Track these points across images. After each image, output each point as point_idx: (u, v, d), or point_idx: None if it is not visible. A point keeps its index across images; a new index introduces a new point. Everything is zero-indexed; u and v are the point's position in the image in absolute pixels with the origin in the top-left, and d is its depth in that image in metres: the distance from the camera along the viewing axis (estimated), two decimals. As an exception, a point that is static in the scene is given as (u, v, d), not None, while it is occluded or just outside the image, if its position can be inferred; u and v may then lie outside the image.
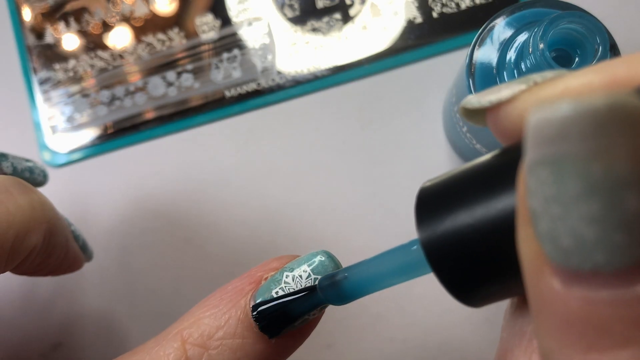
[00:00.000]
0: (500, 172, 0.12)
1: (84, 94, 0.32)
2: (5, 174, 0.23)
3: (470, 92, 0.23)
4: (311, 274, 0.17)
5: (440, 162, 0.30)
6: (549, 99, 0.12)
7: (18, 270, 0.22)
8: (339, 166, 0.31)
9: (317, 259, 0.17)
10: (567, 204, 0.10)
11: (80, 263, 0.26)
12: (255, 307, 0.17)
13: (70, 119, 0.32)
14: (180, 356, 0.16)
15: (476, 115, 0.14)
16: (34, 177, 0.25)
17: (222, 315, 0.17)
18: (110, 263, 0.31)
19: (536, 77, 0.13)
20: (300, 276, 0.17)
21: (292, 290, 0.17)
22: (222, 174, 0.31)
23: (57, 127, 0.32)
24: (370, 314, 0.30)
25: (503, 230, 0.11)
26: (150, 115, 0.32)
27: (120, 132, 0.32)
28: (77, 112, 0.32)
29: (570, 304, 0.10)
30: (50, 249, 0.22)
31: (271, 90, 0.31)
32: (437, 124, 0.31)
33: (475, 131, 0.25)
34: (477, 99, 0.14)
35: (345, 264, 0.32)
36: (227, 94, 0.32)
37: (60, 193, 0.32)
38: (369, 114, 0.31)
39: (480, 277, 0.12)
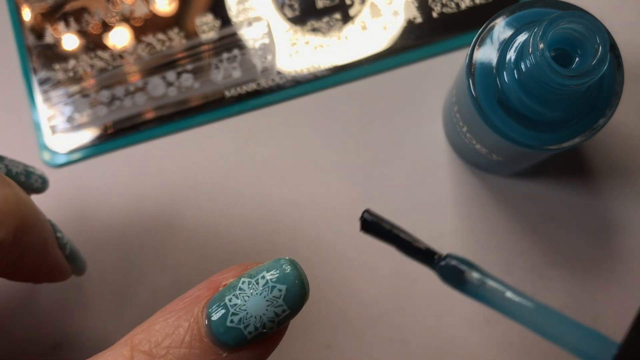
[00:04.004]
0: None
1: (84, 94, 0.32)
2: None
3: (470, 92, 0.23)
4: (269, 281, 0.16)
5: (440, 162, 0.30)
6: None
7: None
8: (339, 166, 0.31)
9: (280, 267, 0.16)
10: None
11: (63, 273, 0.24)
12: (366, 215, 0.17)
13: (70, 119, 0.32)
14: None
15: None
16: (30, 182, 0.24)
17: (172, 323, 0.16)
18: (110, 263, 0.31)
19: None
20: (257, 282, 0.16)
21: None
22: (222, 174, 0.31)
23: (57, 127, 0.32)
24: (370, 314, 0.30)
25: None
26: (150, 115, 0.32)
27: (120, 132, 0.32)
28: (77, 112, 0.32)
29: None
30: (22, 249, 0.21)
31: (271, 90, 0.31)
32: (437, 124, 0.31)
33: (475, 131, 0.25)
34: None
35: (343, 264, 0.32)
36: (227, 94, 0.32)
37: (60, 193, 0.32)
38: (369, 114, 0.31)
39: None
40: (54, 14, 0.33)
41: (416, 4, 0.31)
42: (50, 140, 0.32)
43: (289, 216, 0.31)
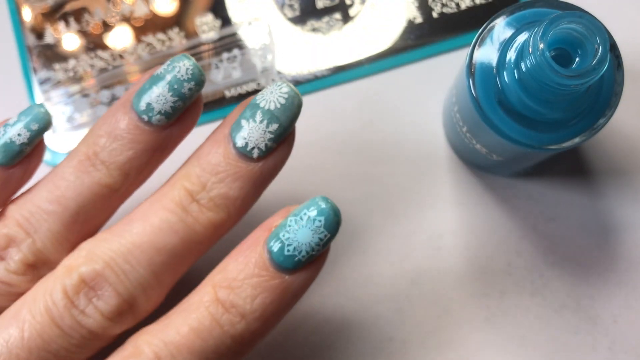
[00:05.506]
0: None
1: (84, 94, 0.32)
2: None
3: (471, 92, 0.23)
4: (310, 216, 0.21)
5: (440, 162, 0.31)
6: None
7: None
8: (339, 166, 0.31)
9: (317, 204, 0.21)
10: None
11: None
12: None
13: (70, 119, 0.32)
14: (212, 298, 0.21)
15: None
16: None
17: (242, 261, 0.21)
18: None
19: None
20: (301, 218, 0.21)
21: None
22: (222, 174, 0.31)
23: (58, 127, 0.32)
24: (371, 314, 0.30)
25: None
26: (150, 115, 0.32)
27: (120, 132, 0.32)
28: (77, 112, 0.32)
29: None
30: None
31: (271, 90, 0.31)
32: (437, 124, 0.31)
33: (475, 131, 0.25)
34: None
35: (342, 264, 0.32)
36: (227, 94, 0.32)
37: (60, 193, 0.32)
38: (369, 114, 0.31)
39: None
40: (54, 14, 0.33)
41: (416, 4, 0.31)
42: (50, 140, 0.32)
43: (289, 216, 0.31)
